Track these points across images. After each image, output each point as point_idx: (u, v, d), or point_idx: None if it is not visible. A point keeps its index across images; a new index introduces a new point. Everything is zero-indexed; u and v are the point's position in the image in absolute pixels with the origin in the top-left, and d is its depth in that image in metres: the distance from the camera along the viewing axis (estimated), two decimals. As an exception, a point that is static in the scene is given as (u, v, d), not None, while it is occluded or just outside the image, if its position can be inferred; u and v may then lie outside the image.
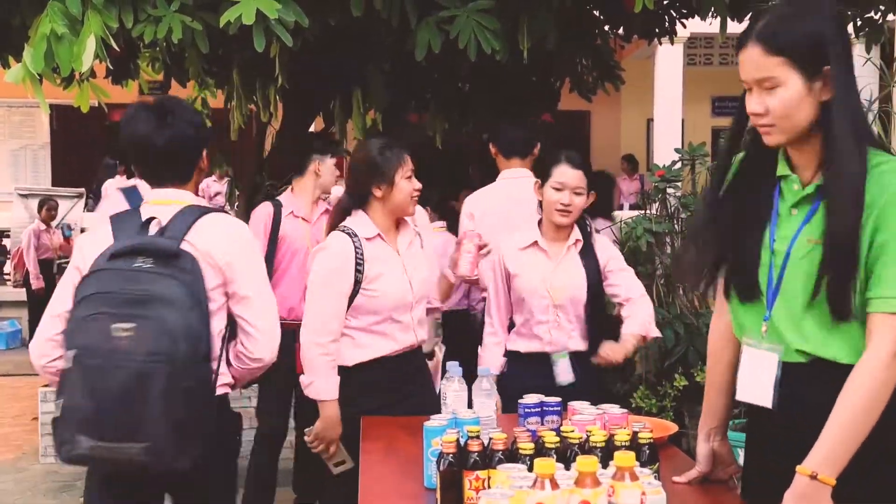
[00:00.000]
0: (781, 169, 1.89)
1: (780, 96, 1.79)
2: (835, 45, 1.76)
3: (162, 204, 2.46)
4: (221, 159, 7.41)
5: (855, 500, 1.74)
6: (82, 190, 11.26)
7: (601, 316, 3.25)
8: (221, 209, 3.17)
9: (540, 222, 3.27)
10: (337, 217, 3.07)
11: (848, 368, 1.77)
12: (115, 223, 2.43)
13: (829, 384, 1.79)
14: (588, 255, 3.22)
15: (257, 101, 6.16)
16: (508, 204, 4.02)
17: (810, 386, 1.85)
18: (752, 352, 1.92)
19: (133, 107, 2.50)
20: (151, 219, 2.40)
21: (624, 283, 3.25)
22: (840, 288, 1.76)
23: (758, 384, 1.91)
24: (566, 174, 3.14)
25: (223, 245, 2.40)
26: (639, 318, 3.19)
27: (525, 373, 3.18)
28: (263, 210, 4.36)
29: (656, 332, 3.29)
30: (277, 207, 4.32)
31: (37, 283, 9.14)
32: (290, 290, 4.14)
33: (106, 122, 13.92)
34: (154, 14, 3.95)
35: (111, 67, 5.55)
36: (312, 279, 2.96)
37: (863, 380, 1.70)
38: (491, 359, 3.26)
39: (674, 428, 2.32)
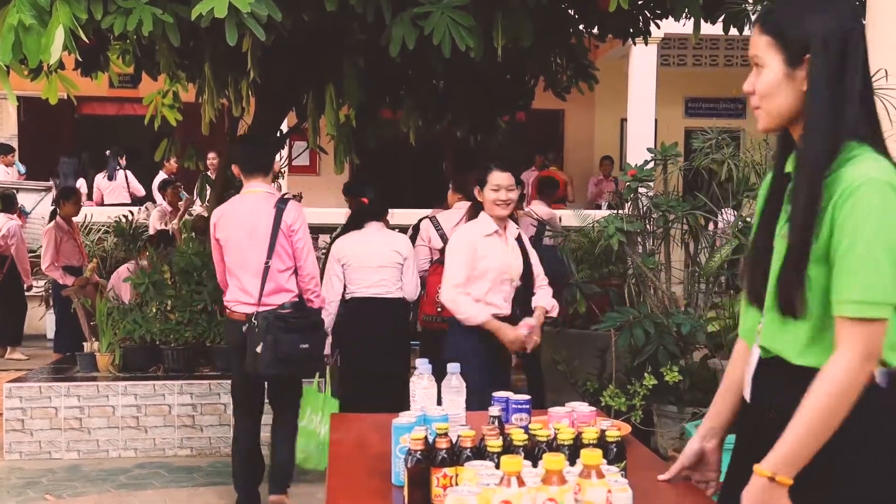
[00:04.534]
0: (789, 166, 1.88)
1: (763, 76, 1.82)
2: (820, 36, 1.75)
3: None
4: (193, 153, 7.34)
5: None
6: (50, 183, 11.11)
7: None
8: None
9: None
10: None
11: (795, 368, 1.78)
12: None
13: (783, 382, 1.82)
14: (521, 241, 4.16)
15: (229, 96, 6.11)
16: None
17: (771, 383, 1.88)
18: (753, 350, 1.95)
19: None
20: None
21: (536, 269, 4.20)
22: (784, 283, 1.78)
23: (747, 380, 1.95)
24: (499, 177, 3.93)
25: None
26: (546, 299, 4.18)
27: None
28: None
29: (555, 312, 4.30)
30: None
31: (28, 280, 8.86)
32: None
33: (75, 114, 13.82)
34: (124, 6, 3.91)
35: (80, 59, 5.49)
36: None
37: (825, 384, 1.70)
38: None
39: (627, 428, 2.33)
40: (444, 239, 5.23)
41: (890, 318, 1.69)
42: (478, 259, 3.93)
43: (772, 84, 1.80)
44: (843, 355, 1.69)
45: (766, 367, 1.89)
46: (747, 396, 1.95)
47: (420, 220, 5.95)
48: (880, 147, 1.75)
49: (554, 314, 4.27)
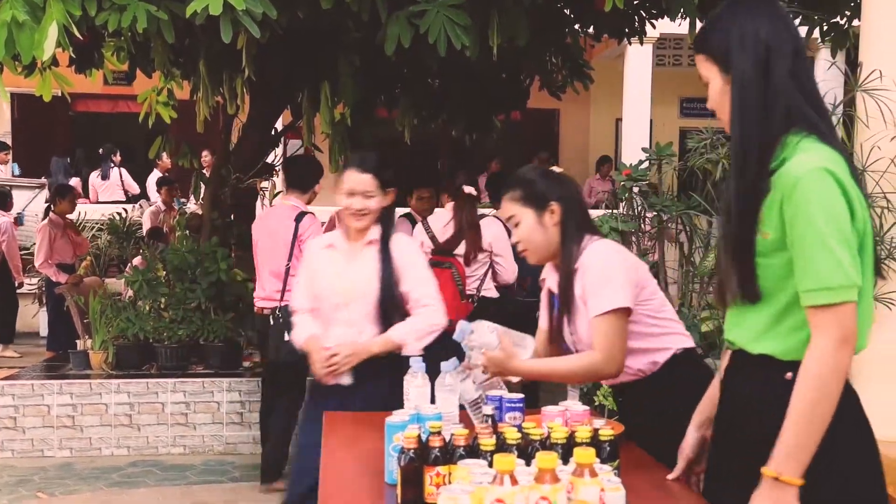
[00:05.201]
0: None
1: (710, 90, 1.90)
2: (736, 39, 1.82)
3: None
4: (187, 151, 7.33)
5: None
6: (44, 181, 11.08)
7: (396, 312, 3.08)
8: None
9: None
10: None
11: (755, 357, 1.83)
12: None
13: (746, 372, 1.87)
14: (385, 255, 3.12)
15: (224, 93, 6.10)
16: None
17: (736, 373, 1.92)
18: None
19: None
20: None
21: (415, 289, 3.11)
22: (740, 271, 1.82)
23: (721, 370, 2.00)
24: (353, 179, 3.07)
25: None
26: (402, 329, 3.04)
27: None
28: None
29: (414, 350, 2.97)
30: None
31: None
32: None
33: (69, 111, 13.78)
34: (119, 2, 3.89)
35: (74, 56, 5.47)
36: None
37: (805, 376, 1.73)
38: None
39: (620, 427, 2.33)
40: (433, 240, 5.22)
41: (857, 300, 1.72)
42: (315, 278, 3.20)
43: (717, 95, 1.88)
44: (816, 344, 1.72)
45: (732, 358, 1.94)
46: (719, 385, 2.01)
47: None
48: (826, 136, 1.80)
49: (405, 352, 2.95)
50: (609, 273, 2.43)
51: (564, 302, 2.53)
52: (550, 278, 2.66)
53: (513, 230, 2.62)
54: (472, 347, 2.43)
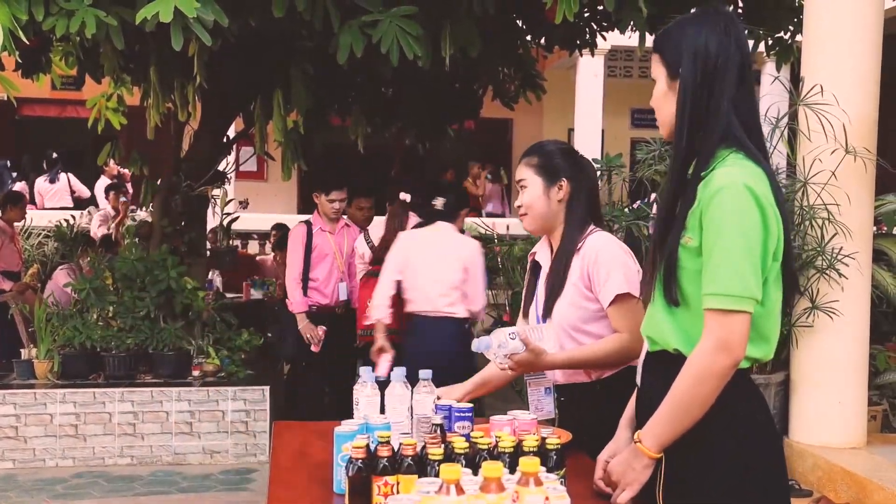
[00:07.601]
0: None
1: (655, 89, 1.95)
2: (690, 50, 1.86)
3: None
4: (137, 158, 7.23)
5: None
6: (-11, 187, 10.84)
7: None
8: None
9: None
10: None
11: (673, 356, 1.88)
12: None
13: (663, 369, 1.91)
14: None
15: (175, 100, 6.04)
16: None
17: (654, 369, 1.98)
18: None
19: None
20: None
21: None
22: (664, 274, 1.88)
23: (638, 366, 2.07)
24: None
25: None
26: None
27: None
28: (300, 229, 5.56)
29: None
30: (309, 226, 5.54)
31: None
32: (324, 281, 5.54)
33: (15, 115, 13.50)
34: (66, 7, 3.84)
35: (20, 60, 5.38)
36: None
37: (685, 369, 1.82)
38: None
39: (568, 436, 2.36)
40: (373, 249, 5.17)
41: (752, 312, 1.78)
42: None
43: (657, 96, 1.94)
44: (700, 344, 1.81)
45: (651, 355, 1.99)
46: (638, 381, 2.06)
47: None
48: (752, 153, 1.85)
49: None
50: (624, 259, 2.55)
51: (554, 280, 2.59)
52: (542, 252, 2.72)
53: (519, 192, 2.66)
54: (496, 356, 2.46)
